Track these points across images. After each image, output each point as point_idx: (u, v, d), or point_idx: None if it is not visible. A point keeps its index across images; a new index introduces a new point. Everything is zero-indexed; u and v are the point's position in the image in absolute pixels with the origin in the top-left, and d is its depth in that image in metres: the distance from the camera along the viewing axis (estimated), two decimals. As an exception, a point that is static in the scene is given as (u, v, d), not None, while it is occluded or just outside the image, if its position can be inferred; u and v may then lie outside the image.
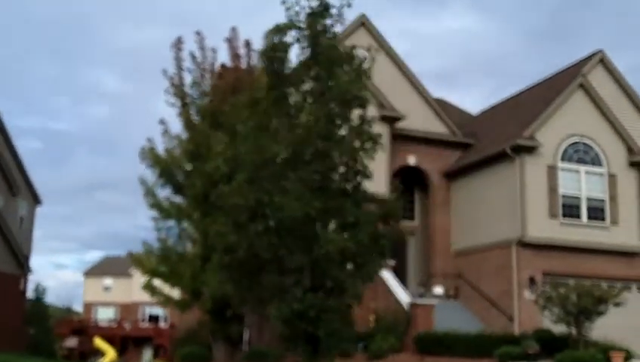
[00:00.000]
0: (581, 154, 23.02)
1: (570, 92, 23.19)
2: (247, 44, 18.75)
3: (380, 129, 23.26)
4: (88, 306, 66.26)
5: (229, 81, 18.45)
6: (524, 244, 21.87)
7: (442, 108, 31.04)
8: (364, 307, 20.95)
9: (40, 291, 34.00)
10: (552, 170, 22.45)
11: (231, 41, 19.08)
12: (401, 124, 25.02)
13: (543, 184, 22.24)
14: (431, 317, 20.46)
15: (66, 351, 44.71)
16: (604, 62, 24.49)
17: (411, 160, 25.44)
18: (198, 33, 18.19)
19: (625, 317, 22.35)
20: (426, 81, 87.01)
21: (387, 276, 22.06)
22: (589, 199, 22.81)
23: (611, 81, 24.58)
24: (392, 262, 22.55)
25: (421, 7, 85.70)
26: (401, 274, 25.74)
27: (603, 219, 22.88)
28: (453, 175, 25.36)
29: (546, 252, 22.05)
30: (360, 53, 25.15)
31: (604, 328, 20.95)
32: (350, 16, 25.45)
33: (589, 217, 22.70)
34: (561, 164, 22.62)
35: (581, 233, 22.48)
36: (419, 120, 25.67)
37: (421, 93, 25.99)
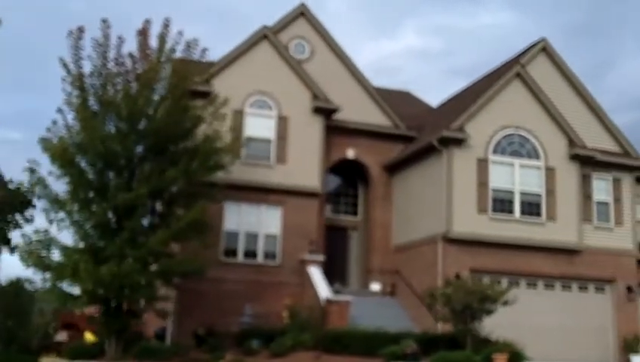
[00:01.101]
0: (516, 146, 22.10)
1: (506, 82, 22.30)
2: (162, 37, 18.38)
3: (312, 120, 22.94)
4: None
5: (132, 72, 18.16)
6: (450, 240, 21.10)
7: (406, 102, 30.43)
8: (280, 303, 20.63)
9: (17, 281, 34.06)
10: (482, 163, 21.60)
11: (142, 32, 18.77)
12: (340, 117, 24.43)
13: (472, 178, 21.42)
14: (345, 314, 19.90)
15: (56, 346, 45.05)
16: (547, 51, 23.46)
17: (350, 153, 24.83)
18: (104, 21, 17.90)
19: (547, 317, 21.50)
20: (460, 77, 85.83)
21: (313, 271, 21.56)
22: (523, 194, 21.90)
23: (555, 70, 23.54)
24: (319, 257, 22.07)
25: (456, 3, 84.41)
26: (342, 270, 25.28)
27: (538, 214, 21.93)
28: (393, 169, 24.67)
29: (474, 248, 21.25)
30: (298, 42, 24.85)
31: (520, 328, 20.26)
32: (289, 5, 25.17)
33: (523, 212, 21.78)
34: (492, 157, 21.74)
35: (513, 229, 21.59)
36: (360, 112, 25.04)
37: (363, 84, 25.34)
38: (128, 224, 16.55)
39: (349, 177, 25.81)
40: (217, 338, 19.01)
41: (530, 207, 21.89)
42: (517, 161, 21.93)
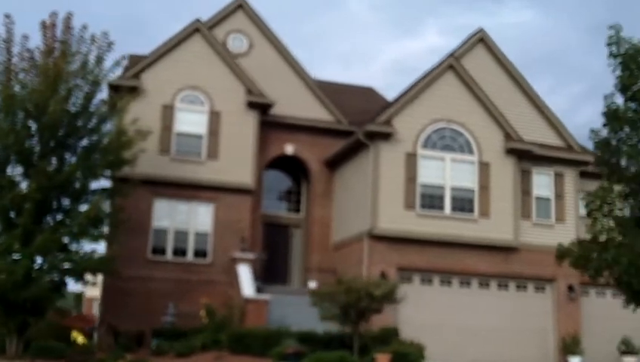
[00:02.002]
0: (448, 140, 21.41)
1: (438, 75, 21.61)
2: (65, 30, 18.09)
3: (246, 116, 22.51)
4: None
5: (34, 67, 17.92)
6: (376, 237, 20.51)
7: (366, 98, 29.82)
8: (197, 302, 20.22)
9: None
10: (411, 158, 20.97)
11: (48, 26, 18.49)
12: (279, 111, 23.97)
13: (399, 173, 20.80)
14: (263, 313, 19.50)
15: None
16: (485, 43, 22.71)
17: (289, 149, 24.33)
18: (7, 16, 17.68)
19: (482, 318, 20.81)
20: None
21: (242, 270, 21.13)
22: (454, 189, 21.21)
23: (496, 64, 22.78)
24: (250, 255, 21.64)
25: (478, 2, 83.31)
26: (284, 268, 24.82)
27: (471, 210, 21.22)
28: (333, 164, 24.11)
29: (401, 245, 20.63)
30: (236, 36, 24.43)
31: (451, 329, 19.67)
32: (227, -1, 24.76)
33: (454, 209, 21.09)
34: (422, 152, 21.09)
35: (443, 225, 20.91)
36: (300, 107, 24.55)
37: (304, 79, 24.83)
38: (21, 220, 16.31)
39: (292, 173, 25.33)
40: (125, 338, 18.73)
41: (462, 203, 21.19)
42: (448, 156, 21.25)
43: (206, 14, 24.08)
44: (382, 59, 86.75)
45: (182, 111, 22.50)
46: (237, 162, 22.55)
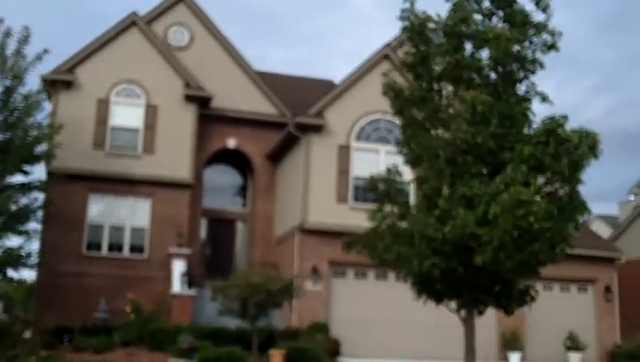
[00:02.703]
0: (382, 132, 20.97)
1: (373, 65, 21.14)
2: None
3: (184, 109, 22.20)
4: None
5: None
6: (307, 231, 20.12)
7: (326, 91, 29.36)
8: (144, 298, 19.93)
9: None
10: (344, 151, 20.55)
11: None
12: (221, 105, 23.67)
13: (332, 165, 20.40)
14: (187, 308, 19.26)
15: None
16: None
17: (231, 142, 23.99)
18: None
19: (421, 312, 20.28)
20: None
21: (176, 265, 20.85)
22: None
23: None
24: (185, 251, 21.35)
25: None
26: (228, 263, 24.50)
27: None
28: (275, 158, 23.74)
29: (333, 239, 20.06)
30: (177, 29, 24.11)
31: (387, 324, 19.28)
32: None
33: (389, 202, 20.56)
34: (355, 144, 20.67)
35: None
36: (243, 100, 24.20)
37: (246, 71, 24.46)
38: None
39: (240, 167, 24.99)
40: (47, 334, 18.52)
41: (397, 196, 20.66)
42: (382, 148, 20.79)
43: (147, 8, 23.64)
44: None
45: (117, 105, 22.22)
46: (174, 156, 22.24)
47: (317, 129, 20.31)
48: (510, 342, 20.44)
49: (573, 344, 21.36)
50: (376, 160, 20.68)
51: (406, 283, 19.64)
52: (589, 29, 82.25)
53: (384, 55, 21.15)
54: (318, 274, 19.87)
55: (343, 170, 20.33)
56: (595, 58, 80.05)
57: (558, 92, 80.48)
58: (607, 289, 22.56)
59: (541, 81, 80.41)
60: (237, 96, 24.02)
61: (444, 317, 20.65)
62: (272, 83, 24.99)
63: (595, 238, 23.56)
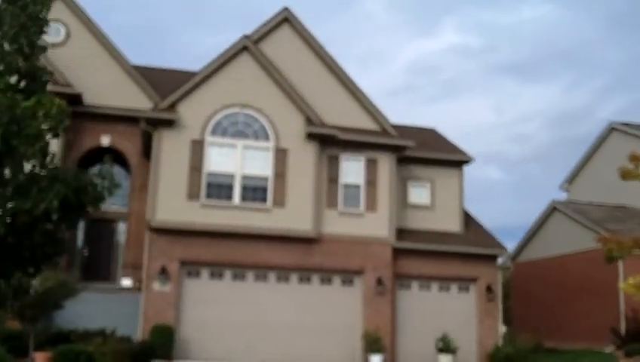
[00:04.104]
0: (240, 126, 20.21)
1: (232, 56, 20.40)
2: None
3: (51, 107, 21.48)
4: None
5: None
6: (156, 230, 19.38)
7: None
8: None
9: None
10: (197, 146, 19.80)
11: None
12: (97, 101, 23.04)
13: (184, 161, 19.66)
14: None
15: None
16: (290, 22, 21.40)
17: (105, 140, 23.31)
18: None
19: (281, 313, 19.58)
20: (502, 74, 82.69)
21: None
22: (246, 178, 20.00)
23: (301, 43, 21.47)
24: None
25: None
26: (106, 264, 23.83)
27: (264, 200, 19.98)
28: (148, 155, 22.95)
29: (185, 238, 19.47)
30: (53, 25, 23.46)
31: (245, 325, 18.56)
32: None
33: (245, 198, 19.88)
34: (210, 139, 19.92)
35: (232, 216, 19.70)
36: (121, 96, 23.50)
37: (124, 67, 23.76)
38: None
39: (123, 165, 24.28)
40: None
41: (255, 193, 19.96)
42: (240, 143, 20.04)
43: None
44: (400, 59, 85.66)
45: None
46: (39, 154, 21.54)
47: (169, 123, 19.59)
48: (371, 344, 19.53)
49: (445, 346, 20.42)
50: (233, 155, 19.96)
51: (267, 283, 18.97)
52: (599, 29, 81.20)
53: (243, 47, 20.40)
54: (167, 275, 19.10)
55: (196, 166, 19.58)
56: (606, 58, 78.87)
57: (568, 92, 79.45)
58: (489, 289, 21.59)
59: (549, 82, 78.93)
60: (114, 92, 23.35)
61: (309, 319, 20.03)
62: (153, 78, 24.31)
63: (481, 235, 22.60)
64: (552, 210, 27.45)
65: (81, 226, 23.54)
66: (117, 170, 23.28)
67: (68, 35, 23.64)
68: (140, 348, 16.64)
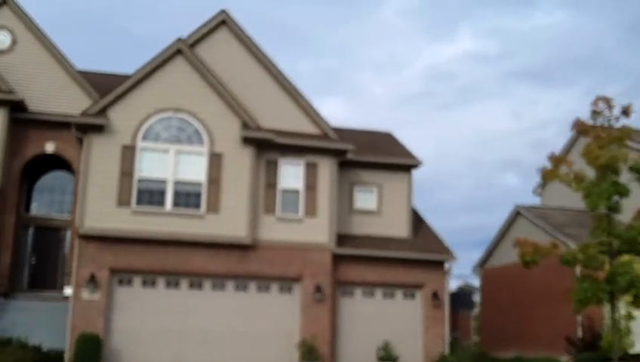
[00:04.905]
0: (174, 131, 19.84)
1: (166, 60, 20.06)
2: None
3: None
4: None
5: None
6: (85, 237, 19.03)
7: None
8: None
9: None
10: (128, 151, 19.44)
11: None
12: (41, 108, 22.86)
13: (114, 167, 19.29)
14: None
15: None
16: (228, 24, 21.02)
17: (50, 147, 23.07)
18: None
19: (217, 322, 19.15)
20: (517, 79, 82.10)
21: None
22: (179, 183, 19.60)
23: (240, 46, 21.08)
24: None
25: (510, 5, 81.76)
26: (53, 273, 23.56)
27: (197, 206, 19.56)
28: (94, 162, 22.68)
29: (115, 245, 19.09)
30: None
31: (181, 334, 18.26)
32: None
33: (177, 204, 19.48)
34: (142, 144, 19.55)
35: (164, 223, 19.31)
36: (67, 103, 23.25)
37: (70, 73, 23.52)
38: None
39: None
40: None
41: (188, 199, 19.56)
42: (173, 148, 19.66)
43: None
44: (416, 66, 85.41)
45: None
46: (-20, 162, 21.39)
47: (99, 129, 19.26)
48: (306, 352, 19.00)
49: (386, 354, 19.86)
50: (166, 160, 19.58)
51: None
52: (615, 35, 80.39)
53: (177, 50, 20.05)
54: (96, 283, 18.72)
55: (127, 171, 19.22)
56: (623, 64, 77.91)
57: (585, 98, 78.47)
58: (435, 296, 20.96)
59: (566, 88, 78.13)
60: (59, 98, 23.13)
61: (246, 328, 19.56)
62: (102, 83, 24.03)
63: (429, 241, 21.99)
64: (516, 214, 26.75)
65: (30, 234, 23.35)
66: (63, 177, 23.18)
67: (14, 41, 23.45)
68: (52, 357, 16.30)
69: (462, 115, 78.30)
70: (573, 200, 27.49)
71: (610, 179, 13.81)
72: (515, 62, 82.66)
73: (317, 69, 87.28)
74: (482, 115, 77.67)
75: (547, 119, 77.74)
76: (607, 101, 14.28)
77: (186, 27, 69.21)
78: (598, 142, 14.06)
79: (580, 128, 14.64)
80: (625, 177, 14.82)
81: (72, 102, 23.31)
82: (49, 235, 23.62)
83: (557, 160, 14.65)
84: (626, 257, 14.13)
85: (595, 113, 14.45)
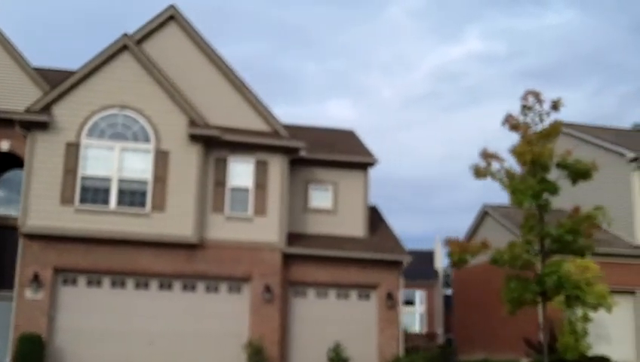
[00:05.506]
0: (119, 128, 19.50)
1: (112, 56, 19.73)
2: None
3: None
4: None
5: None
6: (28, 236, 18.75)
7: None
8: None
9: None
10: (72, 148, 19.13)
11: None
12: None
13: (58, 165, 18.99)
14: None
15: None
16: (177, 20, 20.66)
17: (4, 145, 22.72)
18: None
19: (164, 323, 18.80)
20: (526, 80, 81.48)
21: None
22: (124, 181, 19.27)
23: (189, 41, 20.72)
24: None
25: (519, 5, 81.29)
26: (11, 271, 23.21)
27: (142, 204, 19.22)
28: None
29: (59, 244, 18.79)
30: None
31: (128, 335, 18.01)
32: None
33: (122, 203, 19.15)
34: (87, 141, 19.24)
35: (108, 221, 18.99)
36: (23, 100, 22.87)
37: (26, 70, 23.18)
38: None
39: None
40: None
41: (133, 197, 19.22)
42: (118, 145, 19.33)
43: None
44: (423, 66, 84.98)
45: None
46: None
47: (43, 126, 18.96)
48: (252, 355, 18.62)
49: (336, 355, 19.46)
50: (110, 158, 19.24)
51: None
52: (623, 34, 79.66)
53: (123, 45, 19.72)
54: (39, 282, 18.43)
55: (71, 169, 18.92)
56: (631, 64, 77.08)
57: (594, 98, 77.71)
58: (389, 296, 20.52)
59: (574, 88, 77.38)
60: (15, 96, 22.72)
61: (193, 329, 19.21)
62: (59, 81, 23.70)
63: (386, 240, 21.56)
64: (484, 214, 26.27)
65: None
66: (21, 176, 22.85)
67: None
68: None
69: (469, 115, 77.64)
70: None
71: (539, 175, 13.32)
72: (522, 62, 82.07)
73: (323, 70, 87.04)
74: (490, 115, 76.92)
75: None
76: (537, 95, 13.81)
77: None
78: (527, 138, 13.58)
79: (511, 124, 14.18)
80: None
81: (28, 100, 22.96)
82: (7, 234, 23.27)
83: (489, 156, 14.19)
84: (556, 257, 13.64)
85: (526, 108, 13.98)
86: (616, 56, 78.93)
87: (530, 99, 14.00)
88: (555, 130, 13.72)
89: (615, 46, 79.10)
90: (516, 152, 13.65)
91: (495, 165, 14.01)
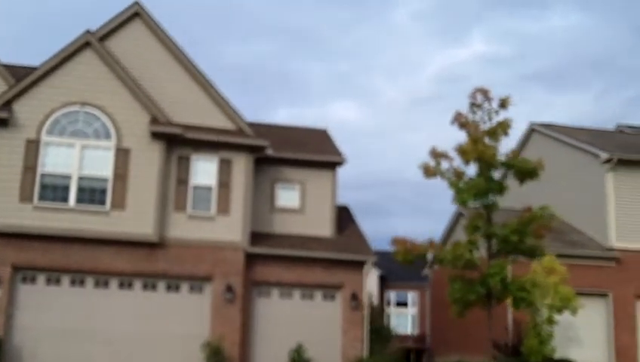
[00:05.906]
0: (80, 125, 19.34)
1: (74, 52, 19.58)
2: None
3: None
4: None
5: None
6: (-14, 234, 18.58)
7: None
8: None
9: None
10: (32, 146, 18.97)
11: None
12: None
13: (18, 162, 18.83)
14: None
15: None
16: (141, 16, 20.48)
17: (-29, 142, 22.59)
18: None
19: (123, 323, 18.60)
20: (532, 82, 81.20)
21: None
22: (84, 179, 19.10)
23: (153, 39, 20.54)
24: None
25: (524, 7, 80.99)
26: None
27: (102, 202, 19.04)
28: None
29: (18, 242, 18.62)
30: None
31: (85, 335, 17.83)
32: None
33: (81, 200, 18.97)
34: (47, 138, 19.07)
35: (67, 219, 18.82)
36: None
37: (-5, 67, 23.07)
38: None
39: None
40: None
41: (92, 194, 19.04)
42: (79, 142, 19.16)
43: None
44: (428, 69, 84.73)
45: None
46: None
47: (2, 122, 18.81)
48: (210, 356, 18.41)
49: (298, 356, 19.24)
50: (70, 155, 19.09)
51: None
52: (629, 38, 79.21)
53: (85, 42, 19.55)
54: (-2, 281, 18.28)
55: (30, 166, 18.76)
56: (637, 67, 76.55)
57: (599, 101, 77.28)
58: (354, 297, 20.29)
59: (580, 91, 76.99)
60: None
61: (153, 329, 19.02)
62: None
63: (353, 240, 21.32)
64: (458, 215, 25.99)
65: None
66: None
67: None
68: None
69: (474, 118, 76.91)
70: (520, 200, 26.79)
71: (484, 174, 13.07)
72: (528, 64, 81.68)
73: (329, 71, 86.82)
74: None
75: (561, 122, 76.23)
76: (486, 93, 13.56)
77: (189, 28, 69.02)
78: (473, 136, 13.32)
79: (459, 122, 13.92)
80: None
81: (-4, 97, 22.86)
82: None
83: (438, 155, 13.93)
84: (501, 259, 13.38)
85: (474, 106, 13.73)
86: (622, 59, 78.48)
87: (479, 97, 13.75)
88: (503, 128, 13.46)
89: (620, 49, 78.63)
90: (461, 151, 13.40)
91: (444, 164, 13.76)
